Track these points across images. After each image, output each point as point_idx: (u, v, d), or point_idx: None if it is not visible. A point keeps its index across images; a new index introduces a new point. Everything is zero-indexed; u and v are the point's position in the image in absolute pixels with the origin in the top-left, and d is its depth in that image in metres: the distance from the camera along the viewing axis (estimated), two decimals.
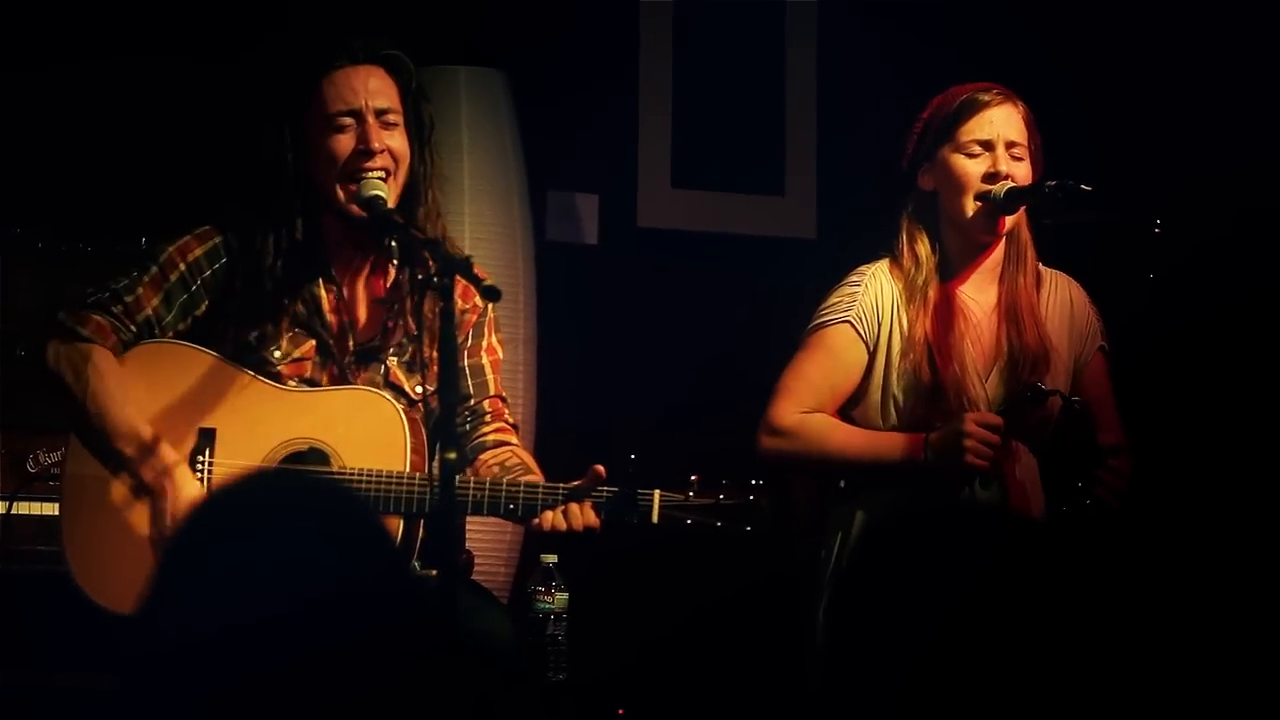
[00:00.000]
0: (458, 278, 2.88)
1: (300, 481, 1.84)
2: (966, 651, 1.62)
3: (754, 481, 3.11)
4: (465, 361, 3.32)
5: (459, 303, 3.26)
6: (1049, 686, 1.62)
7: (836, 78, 5.21)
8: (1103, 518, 3.37)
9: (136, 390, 3.15)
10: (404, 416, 3.14)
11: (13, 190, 4.26)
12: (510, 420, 3.37)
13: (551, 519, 3.06)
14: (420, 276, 3.16)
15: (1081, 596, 1.67)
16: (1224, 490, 4.46)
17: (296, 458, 3.13)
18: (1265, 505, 4.40)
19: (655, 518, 3.08)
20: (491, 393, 3.34)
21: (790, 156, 5.23)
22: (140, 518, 3.12)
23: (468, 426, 3.31)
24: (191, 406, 3.15)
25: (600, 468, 3.07)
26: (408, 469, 3.10)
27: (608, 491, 3.07)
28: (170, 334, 3.22)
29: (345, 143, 3.18)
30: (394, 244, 3.23)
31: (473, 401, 3.32)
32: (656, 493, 3.08)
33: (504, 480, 3.12)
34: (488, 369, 3.34)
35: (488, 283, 2.97)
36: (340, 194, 3.18)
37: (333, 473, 3.09)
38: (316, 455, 3.12)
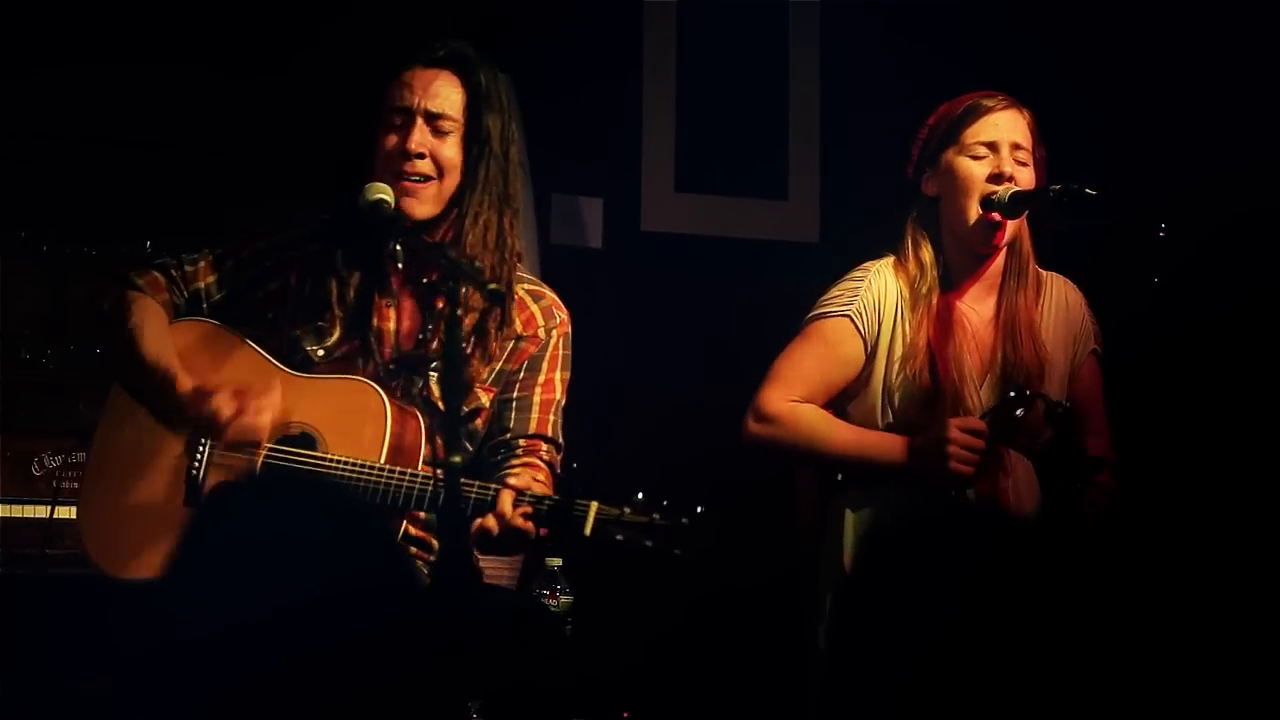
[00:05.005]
0: (525, 299, 2.85)
1: (297, 480, 1.84)
2: (969, 655, 1.62)
3: (698, 508, 3.01)
4: (514, 394, 3.27)
5: (519, 329, 3.25)
6: (1052, 690, 1.62)
7: (839, 82, 5.22)
8: (1081, 527, 3.36)
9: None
10: (390, 410, 3.12)
11: (17, 194, 4.26)
12: (546, 458, 3.28)
13: (480, 521, 2.99)
14: (425, 282, 3.17)
15: (1084, 601, 1.67)
16: (1225, 492, 4.46)
17: (288, 440, 3.14)
18: (1267, 507, 4.40)
19: (588, 530, 2.98)
20: (530, 431, 3.28)
21: (793, 160, 5.24)
22: (152, 483, 3.15)
23: (498, 458, 3.26)
24: (206, 380, 3.14)
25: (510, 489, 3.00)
26: (383, 460, 3.08)
27: (546, 500, 3.00)
28: (211, 310, 3.25)
29: (393, 140, 3.19)
30: (399, 248, 3.22)
31: (508, 435, 3.27)
32: (593, 505, 2.98)
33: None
34: (535, 406, 3.29)
35: (492, 286, 2.97)
36: (395, 191, 3.18)
37: (309, 456, 3.11)
38: (305, 440, 3.14)
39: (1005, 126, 3.46)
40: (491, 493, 3.00)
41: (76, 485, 3.55)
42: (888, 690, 1.63)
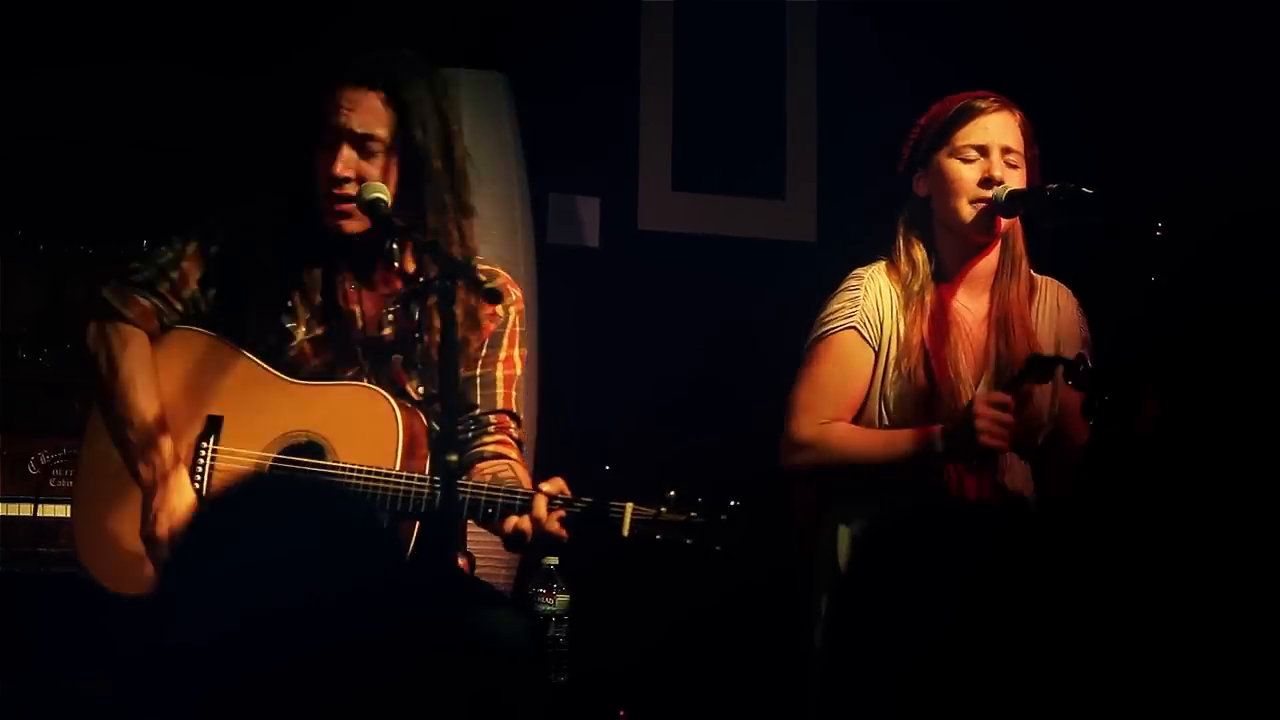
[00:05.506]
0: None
1: (300, 483, 1.84)
2: (966, 653, 1.62)
3: (732, 502, 3.04)
4: (477, 370, 3.29)
5: (458, 302, 3.26)
6: (1049, 688, 1.62)
7: (837, 81, 5.22)
8: (1141, 447, 3.31)
9: (161, 375, 3.21)
10: (399, 415, 3.13)
11: (14, 193, 4.26)
12: (515, 435, 3.32)
13: (515, 522, 3.01)
14: (423, 279, 3.18)
15: (1081, 599, 1.67)
16: (1224, 492, 4.46)
17: (294, 449, 3.15)
18: (1267, 507, 4.40)
19: (625, 531, 3.01)
20: (498, 406, 3.30)
21: (791, 159, 5.24)
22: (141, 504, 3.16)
23: (470, 435, 3.28)
24: (205, 393, 3.19)
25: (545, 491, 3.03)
26: (398, 466, 3.09)
27: (581, 503, 3.02)
28: (210, 309, 3.26)
29: (326, 161, 3.20)
30: (394, 246, 3.22)
31: (478, 412, 3.29)
32: (629, 506, 3.01)
33: (485, 484, 3.09)
34: (499, 382, 3.31)
35: (489, 285, 2.97)
36: (324, 211, 3.21)
37: (321, 465, 3.11)
38: (313, 448, 3.15)
39: (996, 130, 3.46)
40: (519, 499, 3.01)
41: (69, 484, 3.56)
42: (885, 689, 1.63)
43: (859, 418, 3.49)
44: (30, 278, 4.08)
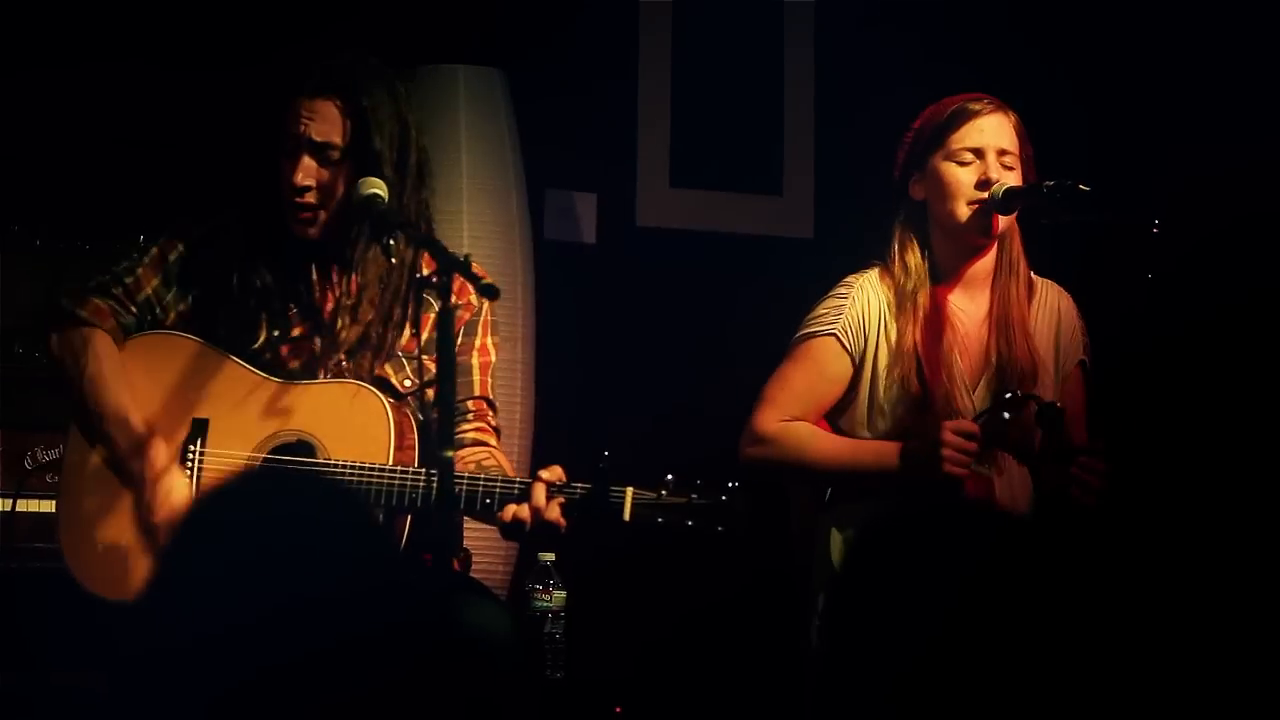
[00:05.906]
0: (455, 275, 2.90)
1: (293, 479, 1.84)
2: (962, 653, 1.62)
3: (730, 483, 3.07)
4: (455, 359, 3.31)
5: (451, 298, 3.26)
6: (1046, 688, 1.62)
7: (834, 78, 5.22)
8: (1080, 517, 3.36)
9: (136, 378, 3.21)
10: (390, 411, 3.14)
11: (12, 188, 4.26)
12: (493, 423, 3.35)
13: (514, 510, 3.04)
14: (419, 275, 3.18)
15: (1076, 598, 1.67)
16: (1221, 490, 4.46)
17: (284, 449, 3.15)
18: (1259, 504, 4.41)
19: (627, 515, 3.03)
20: (475, 393, 3.33)
21: (788, 156, 5.24)
22: (131, 506, 3.15)
23: None
24: (188, 396, 3.19)
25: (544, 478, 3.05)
26: (390, 463, 3.10)
27: (581, 488, 3.04)
28: (171, 314, 3.28)
29: (289, 169, 3.22)
30: (391, 242, 3.22)
31: (456, 399, 3.28)
32: (629, 490, 3.03)
33: (480, 475, 3.10)
34: (475, 369, 3.34)
35: (486, 281, 2.98)
36: (289, 218, 3.23)
37: (315, 463, 3.11)
38: (303, 447, 3.14)
39: (991, 132, 3.45)
40: (517, 488, 3.03)
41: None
42: (881, 688, 1.63)
43: (848, 419, 3.49)
44: (28, 272, 4.08)
